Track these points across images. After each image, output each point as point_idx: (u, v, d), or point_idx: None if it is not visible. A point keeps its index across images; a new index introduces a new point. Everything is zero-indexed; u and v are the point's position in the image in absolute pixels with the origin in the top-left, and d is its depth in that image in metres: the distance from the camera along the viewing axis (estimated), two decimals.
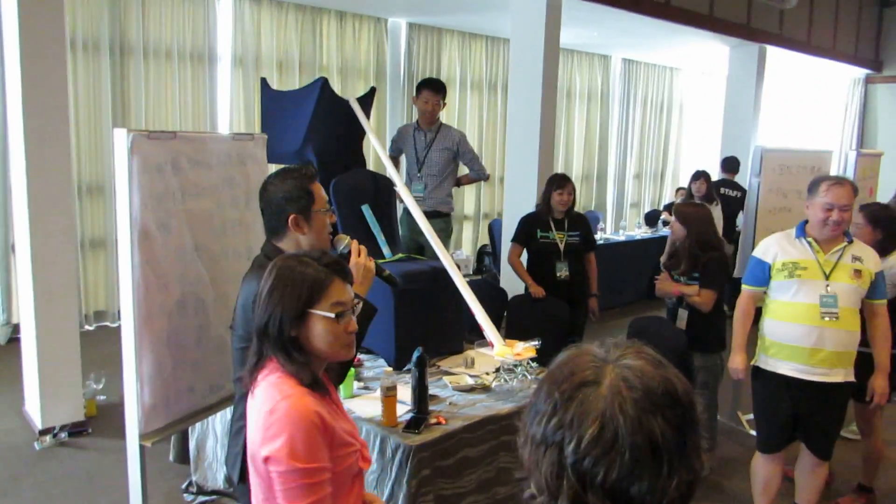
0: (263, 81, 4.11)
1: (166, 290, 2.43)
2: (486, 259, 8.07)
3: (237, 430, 2.05)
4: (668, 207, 8.70)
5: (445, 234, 5.19)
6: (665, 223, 7.91)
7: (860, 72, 10.19)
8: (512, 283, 4.82)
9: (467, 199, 8.45)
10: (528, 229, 4.51)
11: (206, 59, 6.30)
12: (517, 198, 5.65)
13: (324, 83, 3.74)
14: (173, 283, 2.46)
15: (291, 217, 2.02)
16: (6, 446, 4.00)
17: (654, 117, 10.73)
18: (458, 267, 3.74)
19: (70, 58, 5.51)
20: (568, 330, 4.30)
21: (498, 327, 4.48)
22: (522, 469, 0.96)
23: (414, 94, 5.00)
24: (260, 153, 2.83)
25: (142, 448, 2.43)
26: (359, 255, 2.19)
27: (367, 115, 4.02)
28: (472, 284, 4.85)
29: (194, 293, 2.55)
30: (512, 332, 4.29)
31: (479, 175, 5.20)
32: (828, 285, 2.95)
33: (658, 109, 10.78)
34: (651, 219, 8.85)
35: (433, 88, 4.89)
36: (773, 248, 3.13)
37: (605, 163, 9.99)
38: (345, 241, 2.31)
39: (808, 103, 10.84)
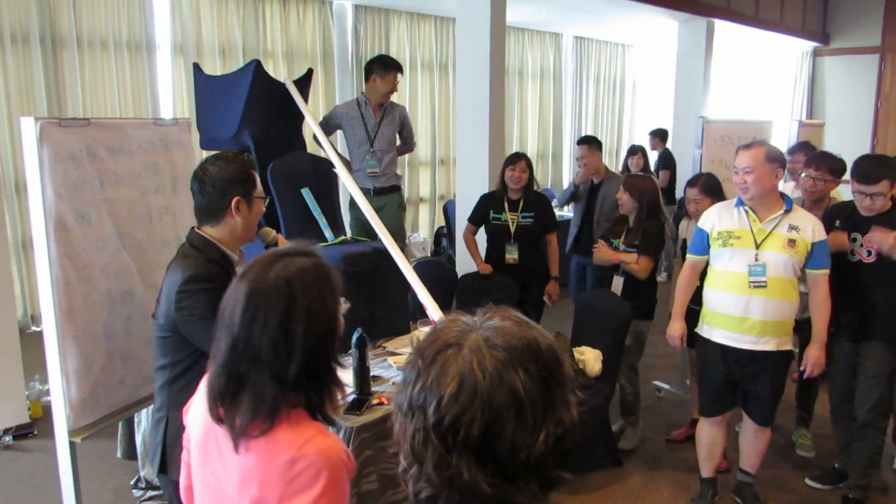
0: (196, 66, 4.02)
1: (89, 283, 2.35)
2: (443, 241, 8.05)
3: (157, 420, 2.01)
4: None
5: (403, 209, 5.17)
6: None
7: (808, 45, 10.33)
8: (468, 264, 4.80)
9: (423, 182, 8.40)
10: (483, 209, 4.49)
11: (144, 48, 6.13)
12: (469, 178, 5.62)
13: (257, 66, 3.66)
14: (97, 274, 2.38)
15: (235, 199, 2.01)
16: None
17: (608, 94, 10.78)
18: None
19: None
20: (516, 308, 4.28)
21: (448, 306, 4.47)
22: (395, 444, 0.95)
23: (375, 71, 4.76)
24: (185, 138, 2.75)
25: (72, 445, 2.36)
26: None
27: (305, 98, 3.96)
28: (420, 265, 4.84)
29: (120, 284, 2.48)
30: (462, 310, 4.28)
31: (410, 147, 5.23)
32: (757, 254, 2.98)
33: (611, 86, 10.82)
34: None
35: (400, 69, 4.85)
36: (712, 217, 3.17)
37: (560, 141, 10.02)
38: (271, 235, 2.34)
39: (758, 77, 10.98)
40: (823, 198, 3.67)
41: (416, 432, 0.89)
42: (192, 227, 2.07)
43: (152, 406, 2.18)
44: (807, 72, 10.53)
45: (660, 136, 8.27)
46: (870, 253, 3.15)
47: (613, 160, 10.93)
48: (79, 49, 5.79)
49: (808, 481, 3.63)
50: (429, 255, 8.06)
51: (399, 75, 4.79)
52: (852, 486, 3.36)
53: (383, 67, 4.76)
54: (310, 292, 1.29)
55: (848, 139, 9.41)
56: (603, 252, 4.00)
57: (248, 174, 2.05)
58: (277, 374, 1.26)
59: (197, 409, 1.41)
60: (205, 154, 5.92)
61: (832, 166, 3.63)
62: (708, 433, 3.31)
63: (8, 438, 3.97)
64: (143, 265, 2.56)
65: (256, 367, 1.26)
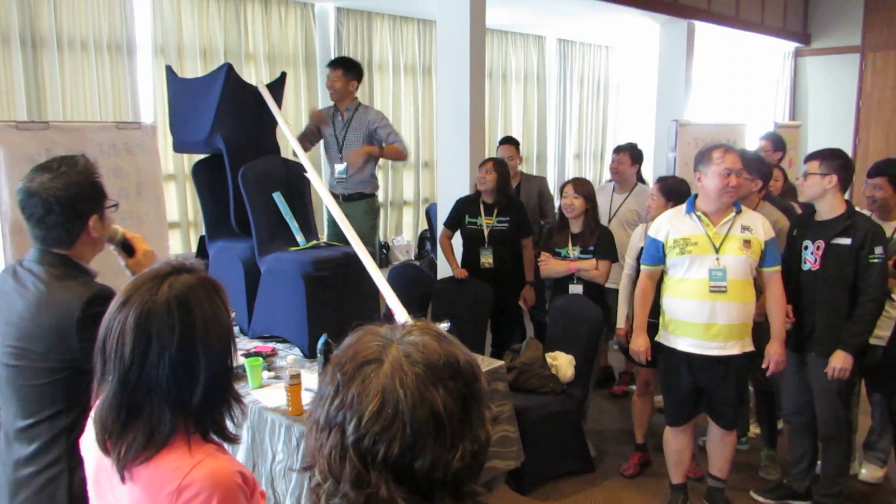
0: (168, 69, 4.01)
1: None
2: (427, 244, 8.06)
3: (50, 478, 1.73)
4: None
5: (372, 215, 5.14)
6: None
7: (790, 45, 10.37)
8: (448, 268, 4.79)
9: (406, 185, 8.40)
10: (459, 214, 4.50)
11: (125, 50, 6.11)
12: (449, 182, 5.60)
13: (228, 69, 3.65)
14: None
15: (93, 218, 1.83)
16: None
17: (592, 96, 10.80)
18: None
19: None
20: (492, 312, 4.27)
21: (424, 311, 4.48)
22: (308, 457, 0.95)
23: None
24: (150, 142, 2.75)
25: None
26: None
27: (279, 102, 3.95)
28: (396, 269, 4.84)
29: None
30: (437, 315, 4.28)
31: (403, 148, 5.11)
32: (717, 258, 2.98)
33: (595, 89, 10.84)
34: None
35: (331, 65, 4.91)
36: (664, 226, 3.14)
37: (545, 144, 10.03)
38: (118, 233, 2.09)
39: (741, 79, 11.00)
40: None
41: (333, 449, 0.89)
42: (40, 248, 1.83)
43: (17, 469, 1.78)
44: (789, 73, 10.56)
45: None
46: (816, 260, 3.10)
47: (599, 163, 10.96)
48: (59, 50, 5.76)
49: (753, 494, 3.58)
50: (413, 258, 8.07)
51: (331, 70, 4.84)
52: (824, 495, 3.31)
53: (329, 67, 4.84)
54: (203, 309, 1.22)
55: (830, 140, 9.43)
56: (554, 265, 3.97)
57: (95, 184, 1.83)
58: (180, 402, 1.20)
59: (90, 440, 1.33)
60: (181, 157, 5.92)
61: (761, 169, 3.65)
62: (675, 441, 3.31)
63: None
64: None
65: (153, 396, 1.19)
